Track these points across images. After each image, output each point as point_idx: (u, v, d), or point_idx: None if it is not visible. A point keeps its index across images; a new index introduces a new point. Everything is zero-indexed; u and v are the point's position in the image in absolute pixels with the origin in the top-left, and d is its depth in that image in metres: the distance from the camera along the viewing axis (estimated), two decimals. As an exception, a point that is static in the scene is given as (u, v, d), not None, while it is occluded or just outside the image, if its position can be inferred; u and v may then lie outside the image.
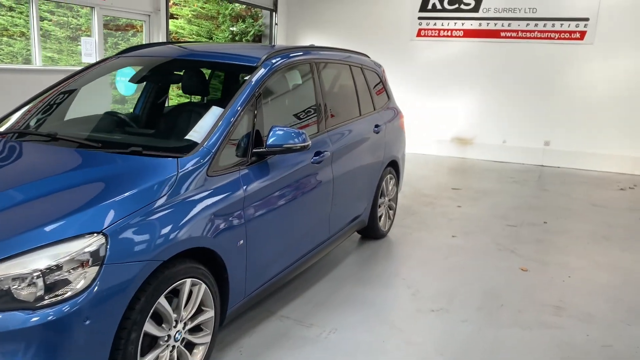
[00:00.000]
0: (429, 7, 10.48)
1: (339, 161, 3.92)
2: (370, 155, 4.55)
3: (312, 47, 4.15)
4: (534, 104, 9.98)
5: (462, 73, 10.37)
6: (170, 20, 12.12)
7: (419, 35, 10.64)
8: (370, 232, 4.98)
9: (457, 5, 10.26)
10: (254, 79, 3.19)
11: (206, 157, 2.69)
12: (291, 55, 3.63)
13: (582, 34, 9.47)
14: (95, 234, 2.10)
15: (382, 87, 5.25)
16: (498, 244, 5.20)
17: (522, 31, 9.86)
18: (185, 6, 11.73)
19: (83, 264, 2.05)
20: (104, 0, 7.22)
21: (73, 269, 2.03)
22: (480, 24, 10.13)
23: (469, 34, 10.26)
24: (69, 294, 2.01)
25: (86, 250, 2.06)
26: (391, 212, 5.32)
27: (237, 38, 11.53)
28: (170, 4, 11.72)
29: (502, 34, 10.00)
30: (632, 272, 4.65)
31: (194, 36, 11.71)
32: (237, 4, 11.17)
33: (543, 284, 4.30)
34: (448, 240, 5.24)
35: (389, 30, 10.82)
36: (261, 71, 3.27)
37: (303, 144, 3.08)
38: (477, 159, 10.32)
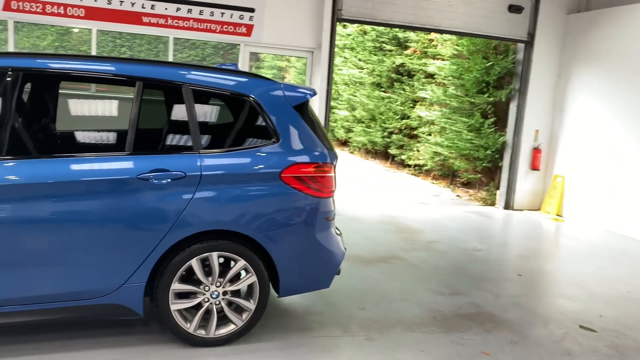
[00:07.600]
0: None
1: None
2: (103, 213, 3.06)
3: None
4: None
5: None
6: (438, 61, 10.99)
7: None
8: (172, 331, 3.33)
9: None
10: None
11: None
12: None
13: None
14: None
15: (264, 121, 3.44)
16: None
17: None
18: (449, 46, 10.49)
19: None
20: (249, 37, 7.34)
21: None
22: None
23: None
24: None
25: None
26: (245, 313, 3.41)
27: (484, 77, 9.43)
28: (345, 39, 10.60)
29: None
30: None
31: (450, 78, 10.25)
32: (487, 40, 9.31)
33: None
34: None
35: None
36: None
37: None
38: None
